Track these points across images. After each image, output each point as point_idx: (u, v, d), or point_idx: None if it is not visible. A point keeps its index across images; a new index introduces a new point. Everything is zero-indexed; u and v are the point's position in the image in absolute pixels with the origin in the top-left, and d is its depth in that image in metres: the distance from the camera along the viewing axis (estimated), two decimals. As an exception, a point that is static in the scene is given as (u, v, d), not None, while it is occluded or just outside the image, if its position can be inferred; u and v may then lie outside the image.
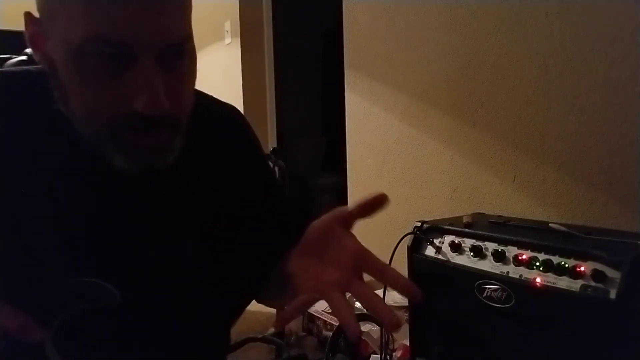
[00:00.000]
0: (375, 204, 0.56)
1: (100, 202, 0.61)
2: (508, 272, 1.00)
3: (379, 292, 1.64)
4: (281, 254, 0.69)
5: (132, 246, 0.62)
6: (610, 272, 0.86)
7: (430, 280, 1.16)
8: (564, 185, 1.35)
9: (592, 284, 0.88)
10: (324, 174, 3.74)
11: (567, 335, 0.92)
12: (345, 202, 2.18)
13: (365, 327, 1.48)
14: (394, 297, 1.64)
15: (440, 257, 1.14)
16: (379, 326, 1.41)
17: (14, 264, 0.57)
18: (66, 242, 0.59)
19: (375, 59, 1.94)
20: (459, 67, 1.61)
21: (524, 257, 0.99)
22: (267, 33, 2.89)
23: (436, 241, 1.16)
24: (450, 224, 1.17)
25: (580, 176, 1.31)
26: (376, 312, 0.49)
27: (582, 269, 0.90)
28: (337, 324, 1.49)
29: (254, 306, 0.80)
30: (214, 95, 0.76)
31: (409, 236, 1.21)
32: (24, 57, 1.06)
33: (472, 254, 1.08)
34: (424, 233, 1.19)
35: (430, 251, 1.17)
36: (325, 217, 0.57)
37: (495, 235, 1.07)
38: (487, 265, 1.04)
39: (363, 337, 1.45)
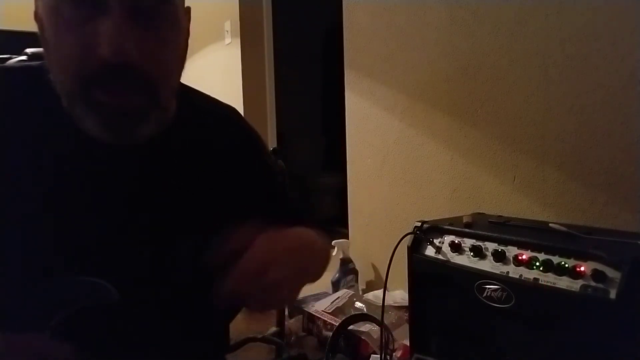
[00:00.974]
0: None
1: (92, 189, 0.61)
2: (508, 272, 1.00)
3: (379, 292, 1.64)
4: None
5: (125, 241, 0.62)
6: (610, 272, 0.86)
7: (430, 280, 1.16)
8: (564, 185, 1.35)
9: (592, 284, 0.88)
10: (324, 174, 3.74)
11: (567, 335, 0.92)
12: (345, 202, 2.18)
13: (365, 327, 1.48)
14: (394, 297, 1.64)
15: (440, 257, 1.14)
16: (378, 326, 1.41)
17: (9, 259, 0.57)
18: (59, 235, 0.59)
19: (375, 59, 1.94)
20: (459, 67, 1.61)
21: (524, 257, 0.99)
22: (267, 33, 2.89)
23: (436, 241, 1.16)
24: (450, 224, 1.17)
25: (580, 176, 1.31)
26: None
27: (582, 269, 0.90)
28: (337, 324, 1.49)
29: (254, 306, 0.79)
30: (214, 96, 0.76)
31: (409, 236, 1.21)
32: (24, 57, 1.06)
33: (472, 254, 1.08)
34: (424, 233, 1.19)
35: (430, 251, 1.16)
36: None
37: (495, 235, 1.07)
38: (487, 265, 1.04)
39: (363, 337, 1.45)
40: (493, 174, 1.53)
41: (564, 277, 0.92)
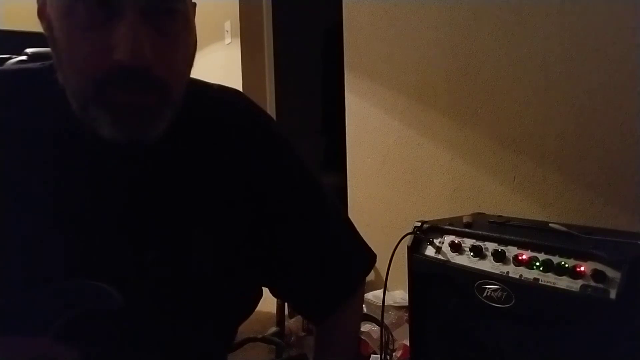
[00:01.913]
0: None
1: (99, 192, 0.60)
2: (508, 272, 1.00)
3: (379, 292, 1.64)
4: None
5: (131, 241, 0.61)
6: (610, 272, 0.86)
7: (430, 280, 1.16)
8: (564, 185, 1.35)
9: (592, 284, 0.88)
10: (323, 174, 3.74)
11: (567, 335, 0.92)
12: (345, 202, 2.18)
13: (365, 327, 1.48)
14: (394, 297, 1.64)
15: (440, 257, 1.14)
16: (378, 326, 1.41)
17: (10, 260, 0.57)
18: (65, 235, 0.58)
19: (375, 59, 1.94)
20: (459, 67, 1.61)
21: (524, 257, 0.99)
22: (267, 33, 2.90)
23: (436, 241, 1.16)
24: (450, 224, 1.17)
25: (580, 176, 1.31)
26: None
27: (582, 269, 0.90)
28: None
29: (253, 306, 0.79)
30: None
31: (409, 236, 1.21)
32: (24, 57, 1.06)
33: (472, 254, 1.08)
34: (424, 233, 1.19)
35: (430, 251, 1.16)
36: None
37: (495, 235, 1.07)
38: (487, 265, 1.04)
39: (363, 337, 1.45)
40: (493, 174, 1.53)
41: (564, 277, 0.92)
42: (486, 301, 1.02)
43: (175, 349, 0.65)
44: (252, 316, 0.76)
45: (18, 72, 0.64)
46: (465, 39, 1.58)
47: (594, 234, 1.01)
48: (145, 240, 0.62)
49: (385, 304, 1.25)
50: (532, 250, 0.99)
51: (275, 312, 1.87)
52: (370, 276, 2.00)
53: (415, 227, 1.21)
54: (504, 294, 1.00)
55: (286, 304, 1.81)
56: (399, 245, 1.21)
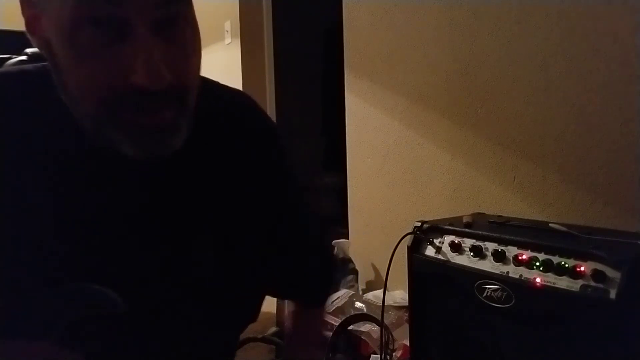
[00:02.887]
0: None
1: (106, 197, 0.59)
2: (508, 272, 1.00)
3: (379, 292, 1.64)
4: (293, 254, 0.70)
5: (141, 247, 0.61)
6: (610, 272, 0.86)
7: (430, 280, 1.16)
8: (564, 186, 1.35)
9: (592, 284, 0.88)
10: (323, 174, 3.74)
11: (567, 335, 0.92)
12: (345, 202, 2.18)
13: (365, 327, 1.48)
14: (394, 297, 1.64)
15: (440, 257, 1.14)
16: (378, 326, 1.41)
17: (17, 265, 0.56)
18: (71, 241, 0.57)
19: (375, 59, 1.94)
20: (459, 67, 1.61)
21: (524, 257, 0.99)
22: (267, 33, 2.89)
23: (436, 241, 1.16)
24: (450, 224, 1.17)
25: (580, 176, 1.31)
26: None
27: (582, 269, 0.90)
28: (337, 324, 1.49)
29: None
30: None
31: (409, 236, 1.21)
32: (23, 57, 1.06)
33: (472, 254, 1.08)
34: (424, 233, 1.19)
35: (430, 251, 1.16)
36: None
37: (495, 235, 1.07)
38: (487, 265, 1.04)
39: (363, 337, 1.45)
40: (493, 174, 1.53)
41: (564, 277, 0.92)
42: (486, 301, 1.02)
43: (180, 353, 0.65)
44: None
45: (15, 74, 0.62)
46: (465, 39, 1.58)
47: (594, 234, 1.01)
48: (152, 243, 0.62)
49: (385, 304, 1.25)
50: (532, 250, 0.99)
51: (275, 312, 1.87)
52: (370, 276, 2.00)
53: (415, 227, 1.21)
54: (504, 294, 1.00)
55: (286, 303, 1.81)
56: (399, 245, 1.21)
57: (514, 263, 1.00)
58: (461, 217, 1.22)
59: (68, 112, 0.54)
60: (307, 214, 0.82)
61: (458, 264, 1.10)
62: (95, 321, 0.56)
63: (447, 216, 1.30)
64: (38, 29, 0.53)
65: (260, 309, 0.75)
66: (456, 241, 1.12)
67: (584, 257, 0.91)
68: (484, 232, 1.09)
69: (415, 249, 1.19)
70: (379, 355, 1.33)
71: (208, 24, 3.01)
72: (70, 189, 0.58)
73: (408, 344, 1.25)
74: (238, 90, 0.74)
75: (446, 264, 1.12)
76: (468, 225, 1.15)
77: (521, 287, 0.97)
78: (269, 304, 1.79)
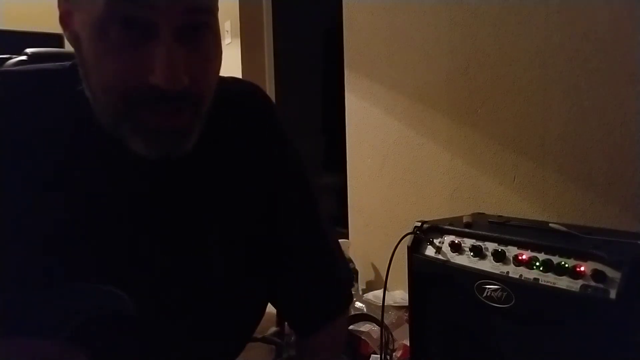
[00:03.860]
0: None
1: (116, 195, 0.60)
2: (508, 272, 1.00)
3: (379, 292, 1.64)
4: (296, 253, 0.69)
5: (149, 246, 0.61)
6: (610, 272, 0.86)
7: (430, 280, 1.16)
8: (564, 186, 1.35)
9: (592, 284, 0.88)
10: (323, 174, 3.74)
11: (567, 335, 0.92)
12: (345, 202, 2.18)
13: (365, 327, 1.48)
14: (394, 297, 1.64)
15: (440, 257, 1.14)
16: (378, 326, 1.41)
17: (27, 263, 0.56)
18: (79, 238, 0.58)
19: (375, 59, 1.94)
20: (459, 67, 1.61)
21: (524, 257, 0.99)
22: (267, 33, 2.90)
23: (436, 241, 1.16)
24: (450, 224, 1.17)
25: (580, 176, 1.31)
26: None
27: (582, 269, 0.90)
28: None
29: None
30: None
31: (409, 236, 1.21)
32: (23, 57, 1.06)
33: (472, 254, 1.08)
34: (424, 233, 1.19)
35: (430, 251, 1.17)
36: None
37: (495, 235, 1.07)
38: (487, 265, 1.04)
39: (363, 337, 1.45)
40: (493, 174, 1.53)
41: (564, 277, 0.92)
42: (486, 301, 1.02)
43: (187, 353, 0.65)
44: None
45: (36, 73, 0.63)
46: (465, 39, 1.58)
47: (594, 234, 1.01)
48: (160, 243, 0.62)
49: (385, 304, 1.25)
50: (532, 250, 0.99)
51: (275, 312, 1.87)
52: (370, 276, 2.00)
53: (415, 227, 1.21)
54: (504, 294, 1.00)
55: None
56: (399, 245, 1.21)
57: (514, 263, 1.00)
58: (461, 217, 1.22)
59: (88, 108, 0.55)
60: (316, 217, 0.77)
61: (458, 264, 1.10)
62: (103, 321, 0.56)
63: (447, 216, 1.30)
64: (70, 23, 0.55)
65: (264, 310, 0.75)
66: (456, 241, 1.12)
67: (584, 257, 0.91)
68: (484, 232, 1.09)
69: (415, 249, 1.19)
70: (379, 355, 1.33)
71: (208, 24, 3.01)
72: (81, 185, 0.58)
73: (408, 344, 1.25)
74: (250, 86, 0.74)
75: (446, 264, 1.12)
76: (468, 225, 1.15)
77: (521, 287, 0.97)
78: (269, 304, 1.78)
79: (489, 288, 1.02)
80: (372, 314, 1.51)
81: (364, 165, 2.04)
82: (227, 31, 2.91)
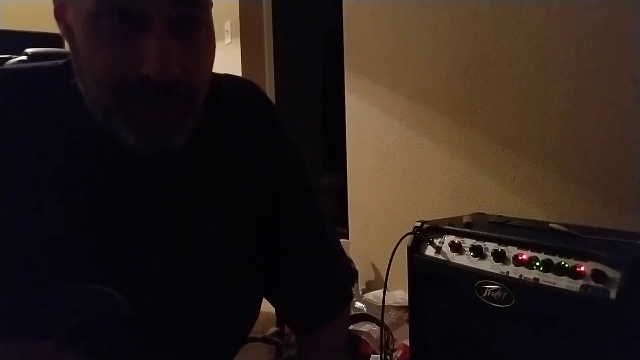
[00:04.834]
0: None
1: (109, 191, 0.60)
2: (508, 272, 1.00)
3: (379, 292, 1.64)
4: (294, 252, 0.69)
5: (142, 245, 0.60)
6: (610, 272, 0.86)
7: (430, 280, 1.16)
8: (564, 186, 1.35)
9: (592, 284, 0.88)
10: (323, 174, 3.74)
11: (567, 335, 0.92)
12: (345, 202, 2.18)
13: (365, 327, 1.48)
14: (394, 297, 1.64)
15: (440, 257, 1.14)
16: (378, 326, 1.41)
17: (21, 264, 0.56)
18: (77, 237, 0.57)
19: (375, 59, 1.94)
20: (459, 67, 1.61)
21: (524, 257, 0.99)
22: (267, 33, 2.90)
23: (436, 241, 1.16)
24: (450, 224, 1.17)
25: (580, 176, 1.31)
26: None
27: (582, 269, 0.90)
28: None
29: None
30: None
31: (409, 236, 1.21)
32: (23, 57, 1.06)
33: (472, 254, 1.08)
34: (424, 233, 1.19)
35: (430, 251, 1.17)
36: None
37: (495, 235, 1.07)
38: (487, 265, 1.04)
39: (363, 337, 1.45)
40: (493, 174, 1.53)
41: (564, 277, 0.92)
42: (486, 301, 1.02)
43: (183, 353, 0.65)
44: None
45: (32, 70, 0.63)
46: (465, 39, 1.58)
47: (594, 234, 1.01)
48: (157, 243, 0.61)
49: (385, 304, 1.25)
50: (532, 250, 0.99)
51: (275, 312, 1.87)
52: (370, 276, 2.01)
53: (415, 227, 1.21)
54: (504, 294, 1.00)
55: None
56: (399, 245, 1.21)
57: (514, 263, 1.00)
58: (461, 217, 1.22)
59: (82, 104, 0.56)
60: (315, 214, 0.77)
61: (458, 264, 1.10)
62: (98, 321, 0.56)
63: (447, 216, 1.30)
64: (64, 17, 0.56)
65: (259, 309, 0.75)
66: (456, 241, 1.12)
67: (584, 257, 0.91)
68: (484, 232, 1.09)
69: (415, 249, 1.19)
70: (379, 355, 1.33)
71: (208, 24, 3.01)
72: (77, 182, 0.58)
73: (408, 344, 1.25)
74: (245, 82, 0.74)
75: (446, 264, 1.12)
76: (468, 225, 1.15)
77: (521, 287, 0.97)
78: (269, 304, 1.78)
79: (489, 288, 1.02)
80: (372, 314, 1.51)
81: (364, 165, 2.04)
82: (227, 31, 2.91)
